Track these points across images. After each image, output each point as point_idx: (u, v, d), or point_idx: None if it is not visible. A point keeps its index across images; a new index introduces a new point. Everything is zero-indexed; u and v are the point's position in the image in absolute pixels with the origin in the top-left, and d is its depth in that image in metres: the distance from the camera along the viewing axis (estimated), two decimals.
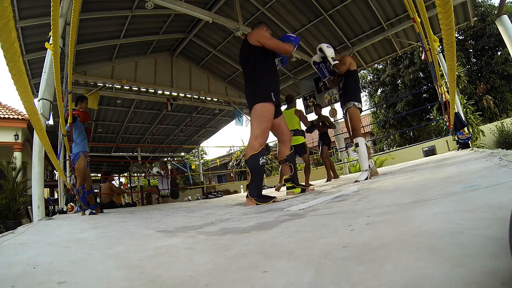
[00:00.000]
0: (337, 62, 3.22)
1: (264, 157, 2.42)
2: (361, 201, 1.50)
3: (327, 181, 5.05)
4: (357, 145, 3.19)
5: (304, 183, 4.40)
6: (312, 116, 6.23)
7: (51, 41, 2.11)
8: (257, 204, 2.25)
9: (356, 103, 3.24)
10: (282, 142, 2.82)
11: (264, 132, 2.46)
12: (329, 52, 3.24)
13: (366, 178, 2.96)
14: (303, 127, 4.87)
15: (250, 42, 2.57)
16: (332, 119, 5.69)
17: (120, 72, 7.45)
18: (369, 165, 3.14)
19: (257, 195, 2.31)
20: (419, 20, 3.46)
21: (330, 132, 6.03)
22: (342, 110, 3.49)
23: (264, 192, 5.74)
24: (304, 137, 4.81)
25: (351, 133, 3.35)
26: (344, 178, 5.54)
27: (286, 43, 2.60)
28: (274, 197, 2.37)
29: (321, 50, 3.31)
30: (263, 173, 2.69)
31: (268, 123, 2.50)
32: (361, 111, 3.35)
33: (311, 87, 8.12)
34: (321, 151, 5.56)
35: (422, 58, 5.25)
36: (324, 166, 5.67)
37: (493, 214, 0.71)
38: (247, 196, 2.38)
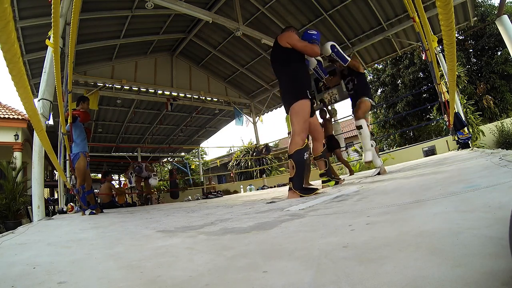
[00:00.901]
0: (350, 60, 3.33)
1: (307, 152, 2.55)
2: (361, 201, 1.50)
3: (350, 175, 5.32)
4: (360, 127, 3.42)
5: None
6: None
7: (51, 40, 2.11)
8: (301, 196, 2.34)
9: (370, 100, 3.48)
10: (316, 139, 2.97)
11: (305, 128, 2.59)
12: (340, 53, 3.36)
13: (371, 160, 3.33)
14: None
15: (281, 44, 2.68)
16: (328, 116, 5.68)
17: (120, 72, 7.45)
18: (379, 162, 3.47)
19: (300, 188, 2.41)
20: (418, 20, 3.46)
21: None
22: (354, 107, 3.64)
23: (264, 191, 5.76)
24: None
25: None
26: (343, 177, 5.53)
27: (313, 45, 2.69)
28: (317, 189, 2.47)
29: (333, 47, 3.30)
30: (308, 167, 2.96)
31: (307, 119, 2.62)
32: (373, 107, 3.62)
33: (311, 87, 8.12)
34: (337, 155, 5.59)
35: (423, 58, 5.25)
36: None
37: (493, 214, 0.71)
38: (290, 189, 2.46)
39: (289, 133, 4.83)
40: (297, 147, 2.48)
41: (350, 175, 5.52)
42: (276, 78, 9.67)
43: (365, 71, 3.55)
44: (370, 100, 3.47)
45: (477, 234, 0.59)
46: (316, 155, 2.96)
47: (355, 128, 3.53)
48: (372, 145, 3.43)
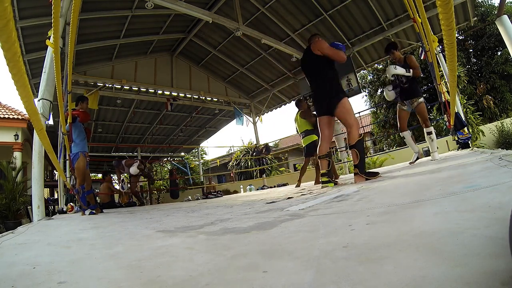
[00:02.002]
0: (412, 70, 3.74)
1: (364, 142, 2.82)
2: (361, 201, 1.50)
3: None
4: (430, 133, 3.84)
5: (315, 180, 4.84)
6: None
7: (51, 40, 2.11)
8: (366, 179, 2.68)
9: (423, 100, 3.83)
10: (324, 139, 3.17)
11: (357, 121, 2.94)
12: (400, 71, 3.73)
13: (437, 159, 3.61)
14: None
15: (314, 52, 3.03)
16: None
17: (120, 72, 7.45)
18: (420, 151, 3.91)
19: (365, 173, 2.77)
20: (419, 20, 3.47)
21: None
22: (409, 104, 3.95)
23: (264, 191, 5.76)
24: (317, 136, 4.86)
25: (405, 122, 4.03)
26: (343, 177, 5.53)
27: (339, 51, 3.01)
28: (378, 173, 2.83)
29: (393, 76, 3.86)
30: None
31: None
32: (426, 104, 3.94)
33: None
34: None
35: (422, 58, 5.25)
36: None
37: (493, 214, 0.71)
38: (356, 174, 2.79)
39: (300, 134, 4.91)
40: (358, 138, 2.83)
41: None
42: (275, 79, 9.63)
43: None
44: (424, 99, 3.87)
45: (477, 234, 0.59)
46: (321, 155, 3.09)
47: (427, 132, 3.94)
48: (437, 147, 3.95)
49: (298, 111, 4.93)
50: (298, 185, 4.94)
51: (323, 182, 3.07)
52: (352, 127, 2.86)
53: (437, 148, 3.97)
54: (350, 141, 2.85)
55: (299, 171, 5.41)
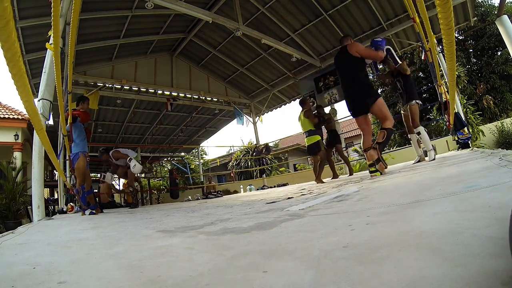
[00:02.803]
0: (401, 63, 3.94)
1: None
2: (361, 201, 1.50)
3: (350, 175, 5.40)
4: (419, 133, 3.94)
5: (317, 179, 4.96)
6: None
7: (51, 41, 2.11)
8: (377, 158, 3.04)
9: (417, 101, 3.98)
10: (367, 133, 3.38)
11: (391, 116, 3.21)
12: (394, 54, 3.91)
13: (434, 158, 3.75)
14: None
15: (352, 53, 3.17)
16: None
17: (120, 72, 7.45)
18: (433, 145, 4.00)
19: (381, 155, 3.13)
20: (418, 20, 3.47)
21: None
22: (403, 106, 4.17)
23: (264, 191, 5.77)
24: (320, 136, 4.94)
25: (410, 124, 4.05)
26: (343, 178, 5.53)
27: (378, 50, 3.21)
28: (386, 167, 3.23)
29: (388, 50, 3.85)
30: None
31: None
32: (421, 105, 4.10)
33: (311, 87, 8.12)
34: (338, 150, 5.63)
35: (422, 58, 5.25)
36: (329, 166, 5.64)
37: (493, 214, 0.71)
38: (374, 148, 3.09)
39: (304, 133, 5.03)
40: (391, 126, 3.14)
41: (349, 175, 5.51)
42: (275, 79, 9.62)
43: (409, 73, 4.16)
44: (417, 101, 3.98)
45: (477, 234, 0.59)
46: (366, 147, 3.28)
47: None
48: (433, 146, 4.02)
49: (302, 110, 4.99)
50: (320, 181, 4.90)
51: (371, 172, 3.19)
52: (387, 120, 3.13)
53: (433, 146, 3.98)
54: (384, 125, 3.14)
55: (299, 171, 5.44)
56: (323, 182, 4.73)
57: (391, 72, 4.25)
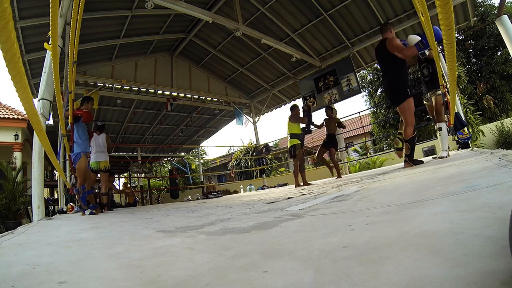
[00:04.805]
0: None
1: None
2: (361, 201, 1.50)
3: (337, 178, 5.47)
4: (440, 129, 3.83)
5: (303, 182, 5.06)
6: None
7: (51, 42, 2.11)
8: (412, 165, 3.19)
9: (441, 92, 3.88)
10: (408, 124, 3.34)
11: (413, 121, 3.26)
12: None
13: (447, 156, 3.69)
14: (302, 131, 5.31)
15: (388, 48, 3.17)
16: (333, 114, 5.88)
17: (120, 72, 7.45)
18: (448, 147, 3.92)
19: (413, 161, 3.28)
20: (423, 19, 3.46)
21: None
22: (426, 95, 3.96)
23: (264, 191, 5.77)
24: (300, 140, 5.12)
25: (435, 117, 3.89)
26: (345, 177, 5.54)
27: (410, 49, 3.04)
28: (422, 161, 3.39)
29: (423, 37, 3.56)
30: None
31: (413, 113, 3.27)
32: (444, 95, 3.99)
33: (311, 87, 8.12)
34: (331, 153, 5.67)
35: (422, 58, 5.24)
36: (325, 165, 5.82)
37: (493, 214, 0.71)
38: (405, 161, 3.29)
39: (288, 135, 5.17)
40: (411, 135, 3.22)
41: (337, 177, 5.55)
42: (275, 79, 9.62)
43: None
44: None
45: (477, 234, 0.59)
46: (406, 138, 3.33)
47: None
48: (448, 148, 3.95)
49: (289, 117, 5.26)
50: (299, 185, 5.02)
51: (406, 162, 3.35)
52: (408, 126, 3.20)
53: (448, 147, 3.94)
54: (405, 136, 3.25)
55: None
56: (301, 186, 4.90)
57: (418, 58, 3.99)
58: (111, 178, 7.08)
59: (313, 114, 5.92)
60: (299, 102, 8.99)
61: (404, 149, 3.45)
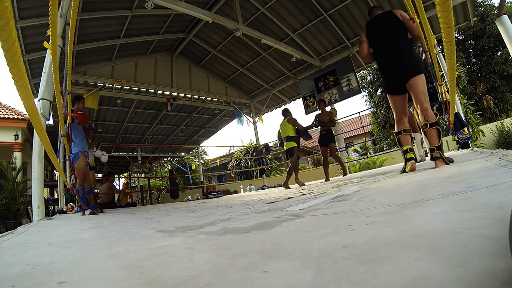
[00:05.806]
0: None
1: None
2: (361, 201, 1.50)
3: (344, 176, 5.50)
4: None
5: (284, 183, 5.19)
6: (311, 117, 6.18)
7: (50, 42, 2.11)
8: (448, 163, 2.41)
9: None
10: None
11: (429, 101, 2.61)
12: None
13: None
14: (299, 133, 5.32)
15: (398, 16, 2.68)
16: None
17: (120, 72, 7.45)
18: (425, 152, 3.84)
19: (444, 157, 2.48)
20: (418, 21, 3.47)
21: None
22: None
23: (264, 191, 5.76)
24: (296, 143, 5.13)
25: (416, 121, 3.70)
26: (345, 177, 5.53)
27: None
28: (453, 160, 2.56)
29: None
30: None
31: None
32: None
33: (311, 87, 8.12)
34: (331, 150, 5.45)
35: (422, 58, 5.24)
36: (324, 165, 5.66)
37: (493, 214, 0.71)
38: (437, 158, 2.45)
39: (283, 138, 5.23)
40: (436, 119, 2.50)
41: (343, 175, 5.57)
42: (275, 79, 9.57)
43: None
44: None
45: (477, 234, 0.59)
46: (433, 120, 2.62)
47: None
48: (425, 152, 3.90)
49: (285, 118, 5.25)
50: (288, 187, 5.14)
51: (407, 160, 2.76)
52: (427, 108, 2.53)
53: (426, 152, 3.99)
54: (430, 118, 2.48)
55: (299, 171, 5.50)
56: (290, 188, 4.95)
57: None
58: (110, 178, 7.09)
59: (313, 114, 5.92)
60: (299, 102, 9.00)
61: (418, 154, 2.80)
